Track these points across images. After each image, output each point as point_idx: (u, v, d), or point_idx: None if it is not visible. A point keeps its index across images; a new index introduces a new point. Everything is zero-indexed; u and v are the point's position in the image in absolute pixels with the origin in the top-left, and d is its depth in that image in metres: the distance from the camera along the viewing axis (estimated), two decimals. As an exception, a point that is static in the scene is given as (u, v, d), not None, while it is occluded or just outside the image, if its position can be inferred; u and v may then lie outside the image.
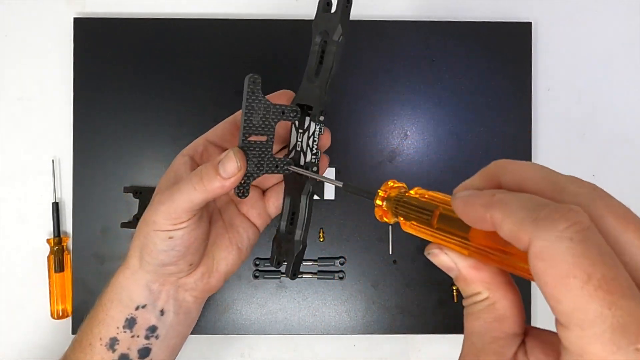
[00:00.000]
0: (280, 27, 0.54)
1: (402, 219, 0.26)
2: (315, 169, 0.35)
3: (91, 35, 0.54)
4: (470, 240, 0.21)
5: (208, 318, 0.53)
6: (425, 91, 0.54)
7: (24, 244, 0.55)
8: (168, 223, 0.33)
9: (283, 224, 0.36)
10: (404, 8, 0.56)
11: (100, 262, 0.53)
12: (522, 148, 0.54)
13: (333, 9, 0.32)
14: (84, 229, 0.53)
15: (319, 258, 0.53)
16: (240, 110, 0.33)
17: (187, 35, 0.54)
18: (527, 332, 0.20)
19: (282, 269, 0.53)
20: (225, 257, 0.38)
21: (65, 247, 0.54)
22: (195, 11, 0.56)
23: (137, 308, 0.36)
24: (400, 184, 0.28)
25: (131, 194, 0.53)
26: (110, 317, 0.36)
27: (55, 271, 0.53)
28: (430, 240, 0.24)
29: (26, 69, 0.55)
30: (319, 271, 0.53)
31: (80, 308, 0.53)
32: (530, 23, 0.55)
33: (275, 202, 0.39)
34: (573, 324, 0.15)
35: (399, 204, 0.26)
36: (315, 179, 0.34)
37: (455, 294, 0.53)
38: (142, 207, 0.52)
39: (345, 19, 0.31)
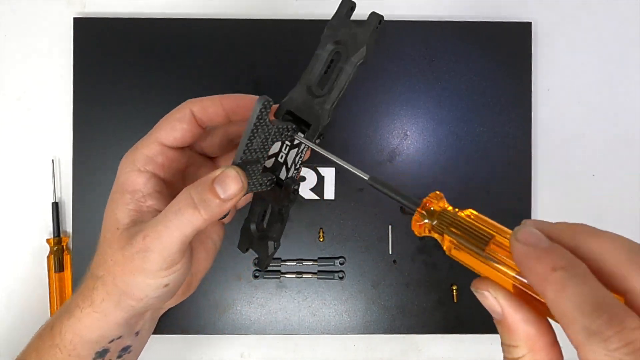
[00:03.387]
0: (280, 27, 0.54)
1: (448, 240, 0.24)
2: (296, 186, 0.33)
3: (91, 35, 0.54)
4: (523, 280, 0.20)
5: (208, 318, 0.53)
6: (425, 91, 0.54)
7: (24, 244, 0.55)
8: (163, 269, 0.29)
9: (253, 226, 0.35)
10: (404, 8, 0.56)
11: (100, 262, 0.53)
12: (522, 148, 0.54)
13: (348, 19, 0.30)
14: (84, 229, 0.53)
15: (319, 258, 0.53)
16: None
17: (187, 35, 0.54)
18: None
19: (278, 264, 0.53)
20: (204, 266, 0.36)
21: (65, 247, 0.54)
22: (195, 11, 0.56)
23: (111, 341, 0.33)
24: (443, 199, 0.26)
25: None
26: (75, 356, 0.33)
27: (55, 271, 0.53)
28: (476, 269, 0.23)
29: (26, 69, 0.55)
30: (319, 271, 0.53)
31: (80, 308, 0.53)
32: (530, 23, 0.55)
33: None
34: None
35: (451, 224, 0.24)
36: (340, 165, 0.31)
37: (455, 293, 0.53)
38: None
39: (372, 42, 0.28)
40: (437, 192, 0.26)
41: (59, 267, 0.53)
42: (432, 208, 0.25)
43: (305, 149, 0.32)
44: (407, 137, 0.54)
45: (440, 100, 0.54)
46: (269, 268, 0.53)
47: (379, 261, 0.54)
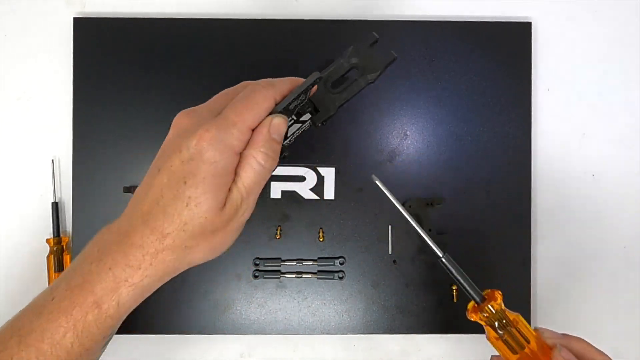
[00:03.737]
0: (280, 27, 0.54)
1: (491, 330, 0.34)
2: (286, 153, 0.38)
3: (91, 35, 0.54)
4: None
5: (208, 318, 0.53)
6: (425, 91, 0.54)
7: (24, 244, 0.55)
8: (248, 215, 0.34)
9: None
10: (404, 8, 0.56)
11: (100, 262, 0.53)
12: (522, 148, 0.54)
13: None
14: (84, 229, 0.53)
15: (319, 258, 0.53)
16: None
17: (187, 35, 0.54)
18: None
19: (282, 268, 0.53)
20: None
21: (65, 247, 0.54)
22: (195, 11, 0.56)
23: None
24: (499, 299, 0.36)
25: (131, 194, 0.53)
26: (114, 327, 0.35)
27: (55, 271, 0.53)
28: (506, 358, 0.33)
29: (26, 69, 0.55)
30: (319, 271, 0.53)
31: (80, 308, 0.53)
32: (530, 22, 0.55)
33: None
34: None
35: (501, 322, 0.34)
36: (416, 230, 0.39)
37: (455, 293, 0.53)
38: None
39: (384, 71, 0.37)
40: (499, 292, 0.35)
41: (59, 267, 0.53)
42: (491, 306, 0.35)
43: (307, 127, 0.39)
44: (407, 137, 0.54)
45: (440, 100, 0.54)
46: (269, 268, 0.53)
47: (379, 261, 0.54)
